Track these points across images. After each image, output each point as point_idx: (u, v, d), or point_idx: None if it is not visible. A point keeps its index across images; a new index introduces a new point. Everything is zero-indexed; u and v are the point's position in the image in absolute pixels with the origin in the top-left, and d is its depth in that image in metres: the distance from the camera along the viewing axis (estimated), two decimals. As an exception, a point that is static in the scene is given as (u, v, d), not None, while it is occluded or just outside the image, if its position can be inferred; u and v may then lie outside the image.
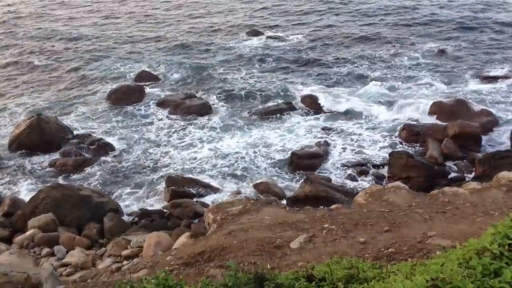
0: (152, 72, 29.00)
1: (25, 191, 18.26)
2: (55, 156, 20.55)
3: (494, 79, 25.84)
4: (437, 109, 22.24)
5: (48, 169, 19.67)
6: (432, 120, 21.83)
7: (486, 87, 25.09)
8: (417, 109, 23.06)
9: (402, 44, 31.77)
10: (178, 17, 41.97)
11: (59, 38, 37.15)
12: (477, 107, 22.15)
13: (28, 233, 14.09)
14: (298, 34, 35.19)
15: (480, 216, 8.70)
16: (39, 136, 20.93)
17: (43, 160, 20.33)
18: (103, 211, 15.57)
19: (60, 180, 18.68)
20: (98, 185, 18.54)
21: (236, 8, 43.81)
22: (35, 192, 16.52)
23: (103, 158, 20.39)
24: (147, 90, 26.56)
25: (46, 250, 13.27)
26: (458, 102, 22.43)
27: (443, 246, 6.54)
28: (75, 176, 19.18)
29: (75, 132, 22.26)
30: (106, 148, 20.99)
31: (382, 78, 26.77)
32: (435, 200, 9.94)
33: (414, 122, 21.62)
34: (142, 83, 27.26)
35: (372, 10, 39.99)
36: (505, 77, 25.90)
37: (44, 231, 14.15)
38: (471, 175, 17.66)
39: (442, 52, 30.08)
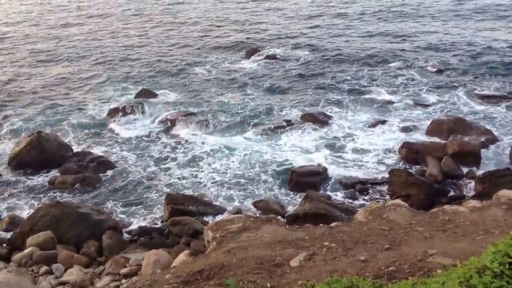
0: (151, 90, 29.15)
1: (24, 208, 18.21)
2: (55, 173, 20.54)
3: (493, 98, 25.98)
4: (436, 127, 22.33)
5: (47, 186, 19.64)
6: (431, 138, 21.91)
7: (485, 105, 25.22)
8: (416, 127, 23.18)
9: (401, 64, 32.02)
10: (177, 36, 42.33)
11: (58, 56, 37.40)
12: (476, 125, 22.24)
13: (26, 251, 13.99)
14: (296, 53, 35.47)
15: (481, 235, 8.67)
16: (39, 154, 20.93)
17: (42, 178, 20.31)
18: (102, 228, 15.49)
19: (59, 198, 18.64)
20: (98, 203, 18.49)
21: (235, 27, 44.23)
22: (34, 210, 16.48)
23: (102, 175, 20.38)
24: (147, 107, 26.65)
25: (44, 268, 13.16)
26: (457, 120, 22.54)
27: (444, 264, 6.52)
28: (74, 194, 19.14)
29: (75, 150, 22.29)
30: (105, 165, 21.00)
31: (381, 97, 26.92)
32: (435, 218, 9.90)
33: (414, 140, 21.65)
34: (142, 100, 27.37)
35: (372, 31, 40.42)
36: (504, 96, 26.04)
37: (42, 249, 14.06)
38: (471, 193, 17.65)
39: (440, 71, 30.31)
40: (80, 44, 40.40)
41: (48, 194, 19.17)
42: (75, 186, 19.37)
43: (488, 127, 22.38)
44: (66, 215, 15.38)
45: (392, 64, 31.91)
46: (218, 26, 44.85)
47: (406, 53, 34.08)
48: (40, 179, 20.26)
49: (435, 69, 30.66)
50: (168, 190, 19.08)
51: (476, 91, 26.98)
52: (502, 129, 22.64)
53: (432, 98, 26.62)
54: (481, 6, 44.91)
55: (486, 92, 26.69)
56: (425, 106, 25.66)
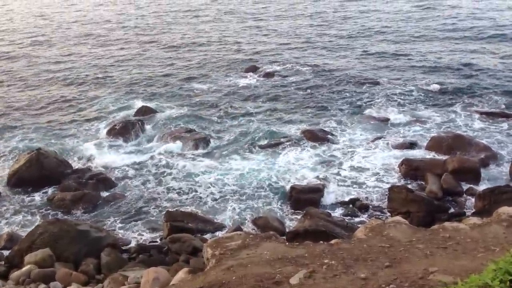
0: (151, 107, 29.24)
1: (23, 225, 18.15)
2: (54, 190, 20.49)
3: (491, 114, 26.07)
4: (435, 143, 22.37)
5: (46, 203, 19.59)
6: (430, 154, 21.94)
7: (483, 122, 25.32)
8: (415, 143, 23.22)
9: (399, 81, 32.16)
10: (177, 53, 42.59)
11: (58, 73, 37.61)
12: (475, 141, 22.29)
13: (24, 268, 13.91)
14: (295, 71, 35.65)
15: (481, 252, 8.64)
16: (39, 171, 20.91)
17: (41, 195, 20.26)
18: (100, 246, 15.42)
19: (59, 215, 18.58)
20: (97, 220, 18.43)
21: (234, 45, 44.52)
22: (33, 227, 16.42)
23: (102, 192, 20.35)
24: (147, 124, 26.73)
25: (42, 286, 13.08)
26: (456, 136, 22.60)
27: (444, 282, 6.48)
28: (73, 211, 19.09)
29: (74, 167, 22.29)
30: (105, 182, 20.97)
31: (380, 114, 27.02)
32: (435, 235, 9.87)
33: (413, 157, 21.67)
34: (142, 118, 27.44)
35: (370, 49, 40.68)
36: (502, 113, 26.13)
37: (40, 266, 13.98)
38: (471, 210, 17.61)
39: (438, 88, 30.43)
40: (80, 62, 40.60)
41: (47, 211, 19.11)
42: (75, 203, 19.30)
43: (487, 143, 22.43)
44: (65, 232, 15.33)
45: (390, 82, 32.03)
46: (217, 44, 45.14)
47: (404, 71, 34.29)
48: (39, 196, 20.22)
49: (433, 87, 30.77)
50: (167, 206, 19.04)
51: (474, 108, 27.08)
52: (501, 146, 22.70)
53: (431, 115, 26.71)
54: (478, 27, 45.27)
55: (484, 109, 26.79)
56: (424, 122, 25.73)
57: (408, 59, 37.07)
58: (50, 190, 20.57)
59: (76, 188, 20.17)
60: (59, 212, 18.96)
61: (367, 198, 19.19)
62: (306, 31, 48.31)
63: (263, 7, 63.43)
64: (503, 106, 27.24)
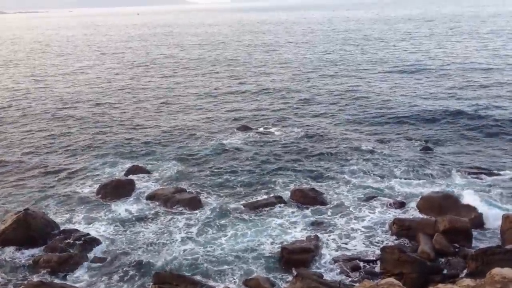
0: (142, 166, 29.23)
1: (7, 289, 17.61)
2: (41, 252, 20.05)
3: (479, 173, 26.32)
4: (426, 203, 22.43)
5: (32, 266, 19.09)
6: (421, 214, 21.94)
7: (473, 182, 25.51)
8: (406, 203, 23.25)
9: (389, 141, 32.70)
10: (169, 111, 43.18)
11: (48, 133, 37.80)
12: (465, 202, 22.36)
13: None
14: (285, 131, 36.18)
15: (477, 315, 8.51)
16: (25, 232, 20.54)
17: (27, 256, 19.75)
18: (86, 310, 14.95)
19: (44, 278, 18.06)
20: (83, 282, 17.93)
21: (227, 105, 45.32)
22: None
23: (89, 253, 19.93)
24: (137, 184, 26.60)
25: None
26: (446, 196, 22.71)
27: None
28: (59, 273, 18.56)
29: (62, 227, 21.93)
30: (92, 243, 20.59)
31: (371, 174, 27.19)
32: (430, 297, 9.74)
33: (404, 217, 21.64)
34: (132, 177, 27.34)
35: (359, 108, 41.62)
36: (492, 173, 26.39)
37: (23, 332, 13.47)
38: (464, 271, 17.41)
39: (427, 148, 30.92)
40: (70, 123, 40.87)
41: (33, 274, 18.57)
42: (61, 265, 18.83)
43: (477, 202, 22.50)
44: (50, 296, 14.88)
45: (378, 143, 32.50)
46: (209, 103, 45.92)
47: (389, 131, 34.95)
48: (25, 258, 19.71)
49: (420, 146, 31.32)
50: (155, 268, 18.61)
51: (465, 167, 27.31)
52: (490, 205, 22.76)
53: (419, 174, 26.91)
54: (459, 85, 46.69)
55: (471, 170, 26.96)
56: (415, 182, 25.86)
57: (394, 118, 37.88)
58: (36, 251, 20.11)
59: (62, 249, 19.77)
60: (45, 275, 18.43)
61: (359, 258, 18.95)
62: (295, 93, 49.43)
63: (253, 69, 65.14)
64: (489, 164, 27.60)
